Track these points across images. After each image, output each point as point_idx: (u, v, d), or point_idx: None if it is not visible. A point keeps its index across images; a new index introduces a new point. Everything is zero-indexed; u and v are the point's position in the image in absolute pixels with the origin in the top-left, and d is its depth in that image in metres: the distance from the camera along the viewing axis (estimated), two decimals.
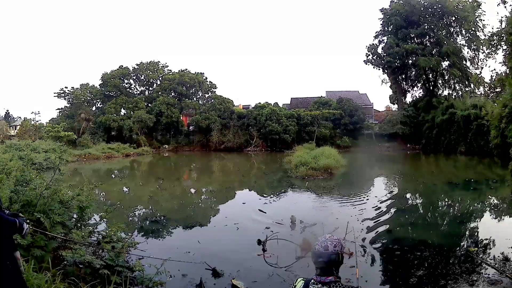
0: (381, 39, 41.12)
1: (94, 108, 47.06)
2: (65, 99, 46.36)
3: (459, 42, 37.22)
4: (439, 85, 39.28)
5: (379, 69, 41.56)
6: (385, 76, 42.21)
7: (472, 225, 8.36)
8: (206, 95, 48.08)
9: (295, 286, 2.02)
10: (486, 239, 6.93)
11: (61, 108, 46.77)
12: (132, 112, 42.81)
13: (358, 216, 8.96)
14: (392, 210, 10.19)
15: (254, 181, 17.37)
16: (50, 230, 4.41)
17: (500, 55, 15.03)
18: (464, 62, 36.88)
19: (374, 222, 8.40)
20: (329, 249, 1.97)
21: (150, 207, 11.45)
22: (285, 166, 20.70)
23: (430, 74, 38.95)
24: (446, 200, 11.75)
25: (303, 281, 2.01)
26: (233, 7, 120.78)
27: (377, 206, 10.37)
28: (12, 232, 2.62)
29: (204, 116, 40.79)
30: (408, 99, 42.55)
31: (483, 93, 37.10)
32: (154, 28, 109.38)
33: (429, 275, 5.23)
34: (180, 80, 45.90)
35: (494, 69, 38.99)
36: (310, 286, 1.96)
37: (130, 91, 48.79)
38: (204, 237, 7.59)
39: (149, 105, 45.06)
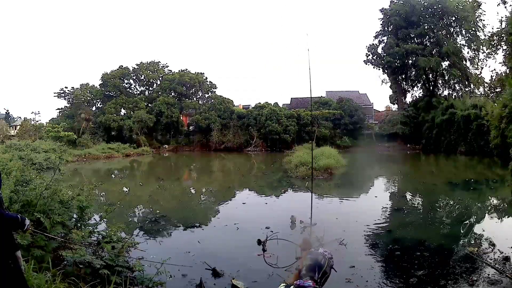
0: (381, 39, 41.25)
1: (94, 108, 47.07)
2: (65, 99, 46.55)
3: (459, 42, 37.27)
4: (439, 85, 39.31)
5: (379, 69, 41.67)
6: (385, 76, 42.32)
7: (472, 225, 8.35)
8: (206, 95, 48.08)
9: None
10: (486, 239, 6.92)
11: (61, 108, 46.91)
12: (132, 112, 42.86)
13: (357, 216, 8.96)
14: (392, 210, 10.21)
15: (254, 181, 17.38)
16: (50, 230, 4.41)
17: (500, 55, 15.03)
18: (464, 62, 36.90)
19: (374, 222, 8.40)
20: (319, 250, 2.29)
21: (150, 207, 11.43)
22: (285, 166, 20.69)
23: (430, 74, 38.97)
24: (446, 200, 11.74)
25: (284, 286, 2.15)
26: (233, 7, 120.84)
27: (377, 206, 10.36)
28: (14, 228, 2.64)
29: (204, 116, 40.81)
30: (408, 99, 42.68)
31: (483, 93, 37.04)
32: (154, 28, 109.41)
33: (429, 275, 5.22)
34: (180, 80, 45.90)
35: (494, 69, 38.93)
36: None
37: (130, 91, 48.82)
38: (204, 237, 7.58)
39: (149, 105, 45.07)
